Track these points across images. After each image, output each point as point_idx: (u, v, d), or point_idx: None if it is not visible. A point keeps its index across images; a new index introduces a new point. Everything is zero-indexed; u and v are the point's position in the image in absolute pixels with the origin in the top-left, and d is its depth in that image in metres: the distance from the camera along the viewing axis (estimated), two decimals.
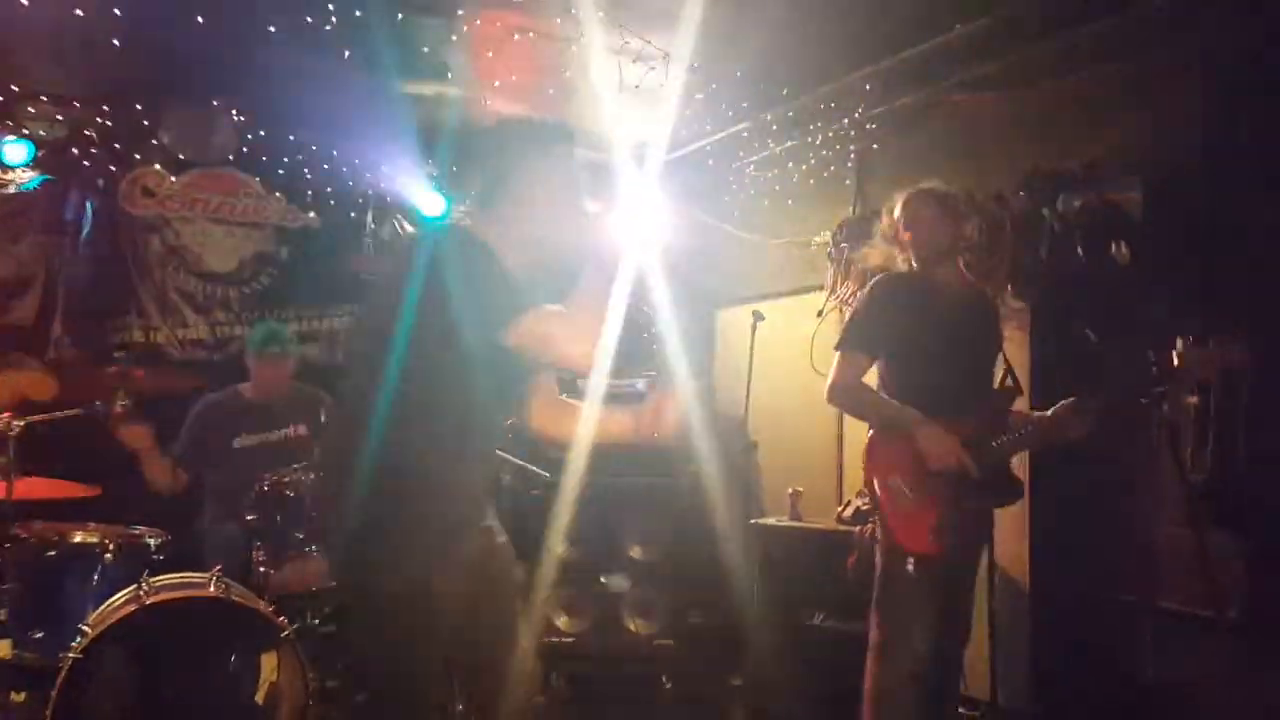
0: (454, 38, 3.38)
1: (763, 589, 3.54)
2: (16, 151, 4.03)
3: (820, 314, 4.07)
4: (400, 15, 3.16)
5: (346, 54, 3.39)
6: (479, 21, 3.25)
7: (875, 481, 2.49)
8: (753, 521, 3.70)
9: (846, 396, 2.63)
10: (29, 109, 4.09)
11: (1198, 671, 2.59)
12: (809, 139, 4.23)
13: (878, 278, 2.67)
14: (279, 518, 2.82)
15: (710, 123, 4.27)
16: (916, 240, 2.59)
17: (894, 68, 3.57)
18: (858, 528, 3.33)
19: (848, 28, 3.32)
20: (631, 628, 3.94)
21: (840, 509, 3.62)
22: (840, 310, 4.02)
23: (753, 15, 3.27)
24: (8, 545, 2.46)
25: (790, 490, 3.81)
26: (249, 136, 4.41)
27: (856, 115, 3.96)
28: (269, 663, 2.57)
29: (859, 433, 3.97)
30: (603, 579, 3.99)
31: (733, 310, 4.90)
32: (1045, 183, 2.90)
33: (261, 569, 2.77)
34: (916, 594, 2.41)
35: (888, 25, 3.29)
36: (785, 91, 3.93)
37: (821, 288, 4.09)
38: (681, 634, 3.94)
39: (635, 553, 4.01)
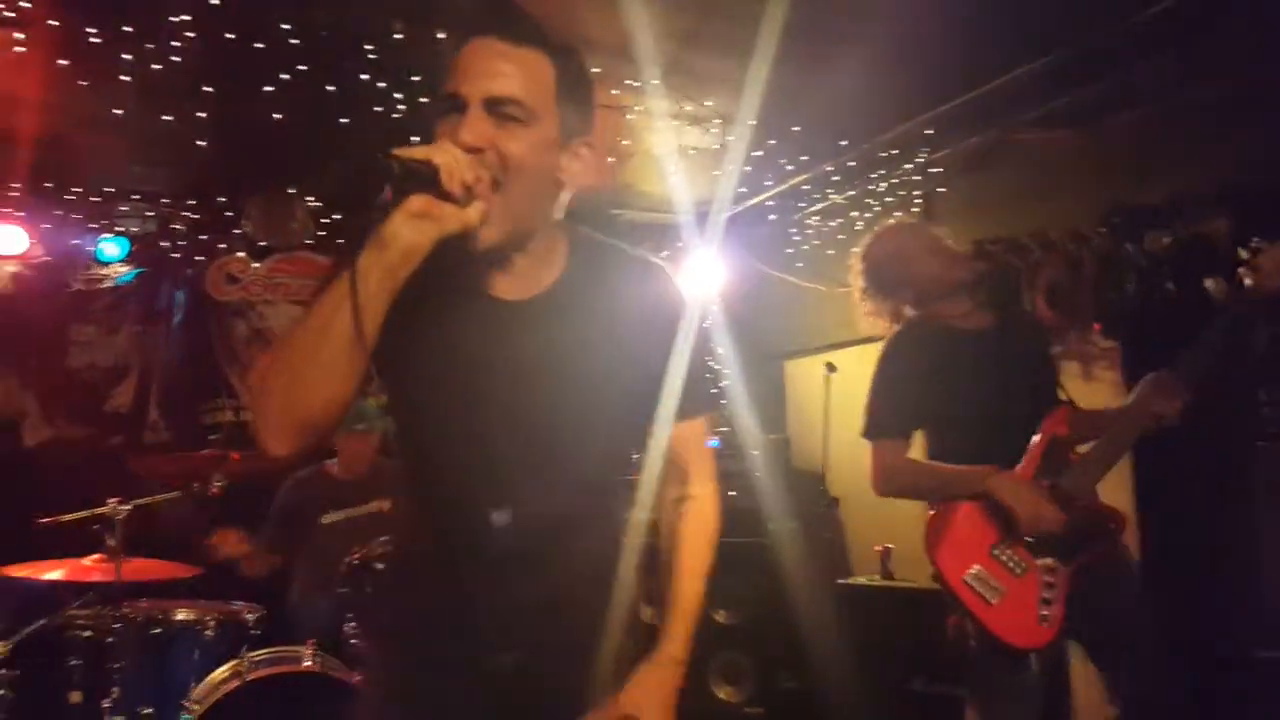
0: None
1: (855, 652, 3.42)
2: (113, 248, 4.30)
3: None
4: None
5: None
6: None
7: (951, 580, 2.07)
8: (840, 581, 3.59)
9: (894, 483, 2.24)
10: (122, 207, 4.36)
11: None
12: (872, 186, 4.22)
13: (883, 347, 2.37)
14: (369, 590, 2.85)
15: (770, 177, 4.30)
16: (912, 278, 2.37)
17: (956, 111, 3.55)
18: None
19: (905, 76, 3.32)
20: (720, 695, 3.84)
21: None
22: None
23: (807, 72, 3.30)
24: (118, 625, 2.54)
25: (879, 547, 3.70)
26: (324, 220, 4.61)
27: (920, 160, 3.94)
28: None
29: None
30: None
31: (801, 361, 4.85)
32: (1128, 218, 2.82)
33: (353, 641, 2.81)
34: (1024, 690, 2.06)
35: (947, 70, 3.28)
36: (844, 143, 3.94)
37: None
38: (772, 700, 3.82)
39: (720, 616, 3.93)
